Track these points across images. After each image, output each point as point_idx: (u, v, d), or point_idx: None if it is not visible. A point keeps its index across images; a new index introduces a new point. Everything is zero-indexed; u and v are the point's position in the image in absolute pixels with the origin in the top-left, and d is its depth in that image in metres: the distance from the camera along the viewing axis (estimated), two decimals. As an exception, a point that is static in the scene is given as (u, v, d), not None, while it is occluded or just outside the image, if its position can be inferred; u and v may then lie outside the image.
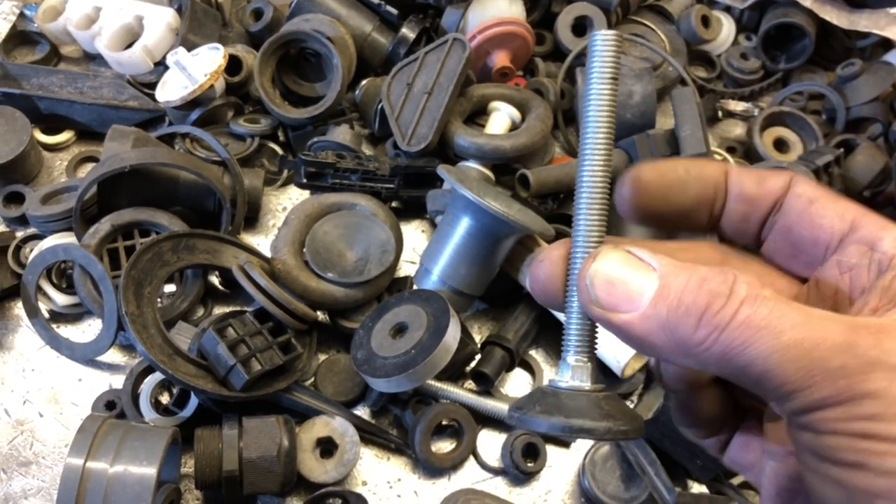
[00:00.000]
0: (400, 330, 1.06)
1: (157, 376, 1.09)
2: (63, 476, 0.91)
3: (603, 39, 0.47)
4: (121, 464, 0.92)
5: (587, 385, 0.48)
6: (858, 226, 0.47)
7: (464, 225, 1.08)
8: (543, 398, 0.48)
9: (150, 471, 0.92)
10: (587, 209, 0.48)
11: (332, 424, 1.06)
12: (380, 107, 1.25)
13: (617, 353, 1.06)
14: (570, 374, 0.49)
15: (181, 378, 0.98)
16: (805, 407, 0.40)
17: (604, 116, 0.48)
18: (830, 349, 0.39)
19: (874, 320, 0.41)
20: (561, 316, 0.54)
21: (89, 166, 1.30)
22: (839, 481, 0.40)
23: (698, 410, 0.53)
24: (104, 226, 1.13)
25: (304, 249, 1.13)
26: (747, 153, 1.34)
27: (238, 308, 1.18)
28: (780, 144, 1.34)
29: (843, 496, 0.40)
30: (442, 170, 1.11)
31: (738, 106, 1.40)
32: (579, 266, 0.47)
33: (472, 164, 1.23)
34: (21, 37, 1.39)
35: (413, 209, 1.28)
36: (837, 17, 1.39)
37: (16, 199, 1.23)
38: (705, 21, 1.44)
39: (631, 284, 0.43)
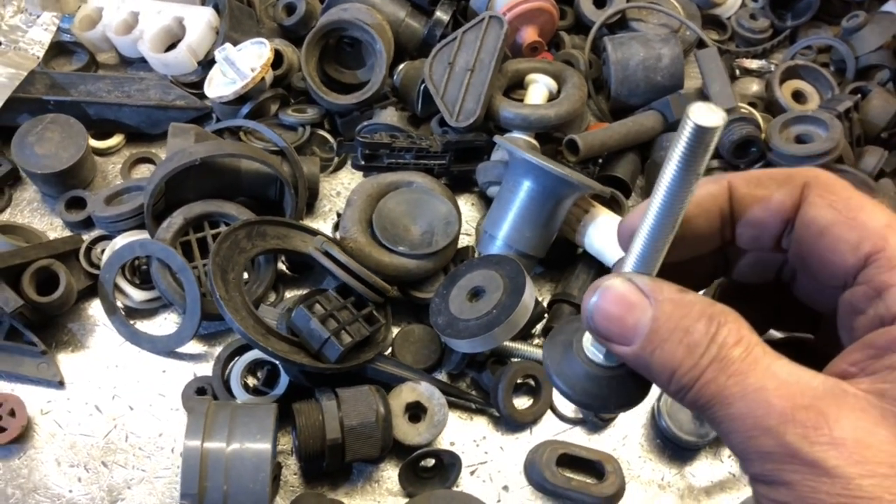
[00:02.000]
0: (476, 294, 1.11)
1: (244, 360, 1.13)
2: (184, 458, 0.94)
3: (701, 131, 0.39)
4: (236, 441, 0.96)
5: (600, 360, 0.50)
6: (872, 262, 0.43)
7: (525, 189, 1.14)
8: (567, 358, 0.51)
9: (265, 445, 0.97)
10: (645, 247, 0.46)
11: (419, 389, 1.10)
12: (422, 87, 1.30)
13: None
14: (589, 346, 0.50)
15: (279, 354, 1.02)
16: (747, 474, 0.42)
17: (680, 196, 0.43)
18: (764, 430, 0.39)
19: (823, 399, 0.40)
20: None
21: (143, 167, 1.33)
22: None
23: None
24: (177, 219, 1.16)
25: (372, 227, 1.17)
26: (768, 107, 1.41)
27: (308, 290, 1.22)
28: (798, 96, 1.41)
29: None
30: (500, 139, 1.16)
31: (753, 64, 1.48)
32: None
33: (517, 135, 1.28)
34: (57, 47, 1.41)
35: (461, 183, 1.33)
36: (839, -27, 1.47)
37: (77, 203, 1.26)
38: (715, -14, 1.51)
39: (626, 321, 0.44)
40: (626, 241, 0.49)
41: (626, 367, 0.49)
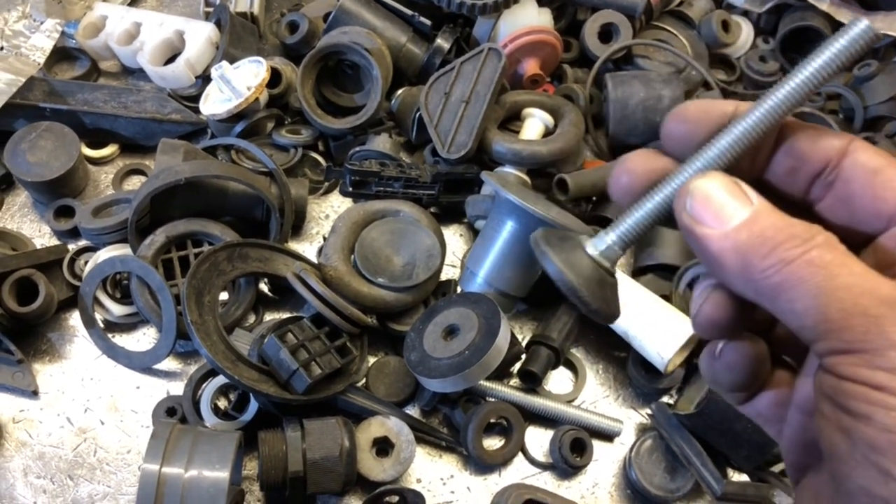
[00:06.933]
0: (451, 332, 1.10)
1: (215, 382, 1.13)
2: (141, 481, 0.94)
3: (864, 31, 0.46)
4: (194, 468, 0.96)
5: (607, 265, 0.52)
6: None
7: (508, 229, 1.12)
8: (569, 250, 0.52)
9: (223, 474, 0.96)
10: (737, 140, 0.49)
11: (388, 424, 1.09)
12: (417, 115, 1.29)
13: (661, 349, 1.10)
14: (602, 249, 0.52)
15: (246, 383, 1.02)
16: (835, 348, 0.41)
17: (808, 85, 0.48)
18: (874, 299, 0.40)
19: None
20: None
21: (135, 179, 1.34)
22: (847, 431, 0.41)
23: (734, 362, 0.53)
24: (159, 237, 1.16)
25: (353, 256, 1.17)
26: (770, 153, 1.38)
27: (288, 313, 1.22)
28: (802, 144, 1.38)
29: (848, 447, 0.41)
30: (486, 176, 1.15)
31: (759, 107, 1.45)
32: (686, 175, 0.50)
33: (509, 170, 1.27)
34: (61, 53, 1.42)
35: (450, 214, 1.32)
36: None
37: (66, 212, 1.27)
38: (725, 25, 1.49)
39: (726, 207, 0.46)
40: (691, 126, 0.52)
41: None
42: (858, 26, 0.46)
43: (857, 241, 0.50)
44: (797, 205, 0.52)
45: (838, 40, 0.47)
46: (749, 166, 0.52)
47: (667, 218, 0.51)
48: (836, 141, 0.49)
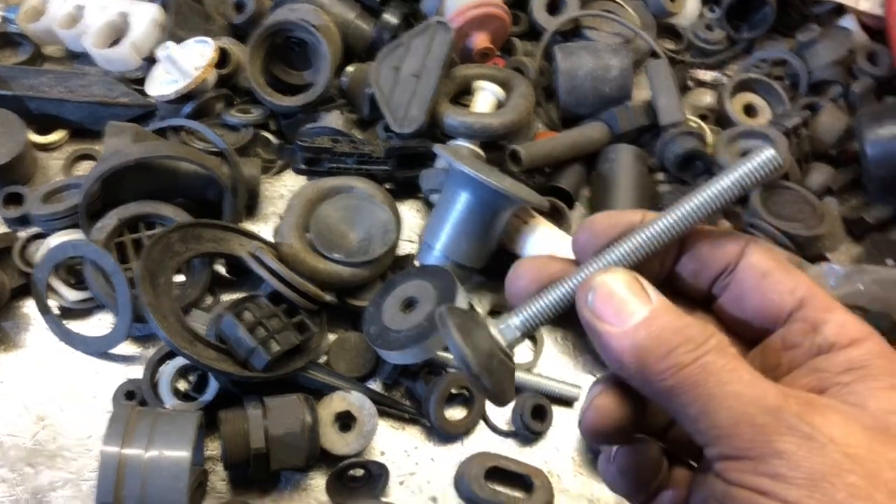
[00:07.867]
0: (409, 304, 1.10)
1: (174, 364, 1.12)
2: (101, 464, 0.94)
3: (770, 160, 0.50)
4: (155, 449, 0.96)
5: (506, 347, 0.53)
6: (806, 304, 0.50)
7: (463, 200, 1.13)
8: (472, 327, 0.52)
9: (185, 453, 0.96)
10: (640, 245, 0.52)
11: (349, 399, 1.10)
12: (370, 91, 1.29)
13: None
14: (502, 328, 0.53)
15: (204, 362, 1.02)
16: (724, 454, 0.44)
17: (714, 204, 0.51)
18: (760, 407, 0.43)
19: (806, 394, 0.45)
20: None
21: (85, 164, 1.32)
22: None
23: (627, 466, 0.56)
24: (111, 220, 1.15)
25: (308, 233, 1.17)
26: (719, 120, 1.41)
27: (245, 293, 1.22)
28: (750, 110, 1.41)
29: None
30: (439, 149, 1.16)
31: (706, 75, 1.47)
32: (591, 270, 0.52)
33: (461, 143, 1.27)
34: (2, 38, 1.39)
35: (406, 189, 1.33)
36: (796, -14, 1.46)
37: (15, 199, 1.24)
38: (671, -5, 1.51)
39: (626, 304, 0.48)
40: (598, 238, 0.54)
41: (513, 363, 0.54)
42: (766, 154, 0.49)
43: (749, 337, 0.54)
44: (698, 300, 0.55)
45: (745, 164, 0.50)
46: (658, 268, 0.55)
47: (571, 309, 0.52)
48: (734, 245, 0.53)
